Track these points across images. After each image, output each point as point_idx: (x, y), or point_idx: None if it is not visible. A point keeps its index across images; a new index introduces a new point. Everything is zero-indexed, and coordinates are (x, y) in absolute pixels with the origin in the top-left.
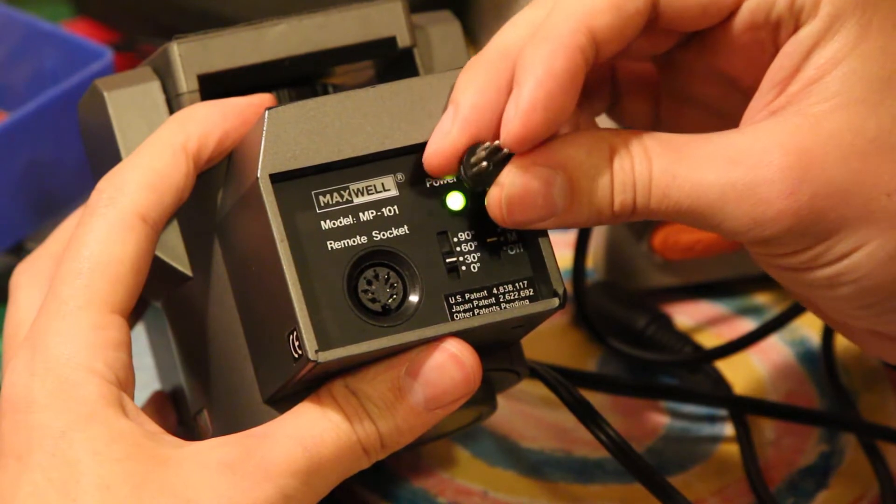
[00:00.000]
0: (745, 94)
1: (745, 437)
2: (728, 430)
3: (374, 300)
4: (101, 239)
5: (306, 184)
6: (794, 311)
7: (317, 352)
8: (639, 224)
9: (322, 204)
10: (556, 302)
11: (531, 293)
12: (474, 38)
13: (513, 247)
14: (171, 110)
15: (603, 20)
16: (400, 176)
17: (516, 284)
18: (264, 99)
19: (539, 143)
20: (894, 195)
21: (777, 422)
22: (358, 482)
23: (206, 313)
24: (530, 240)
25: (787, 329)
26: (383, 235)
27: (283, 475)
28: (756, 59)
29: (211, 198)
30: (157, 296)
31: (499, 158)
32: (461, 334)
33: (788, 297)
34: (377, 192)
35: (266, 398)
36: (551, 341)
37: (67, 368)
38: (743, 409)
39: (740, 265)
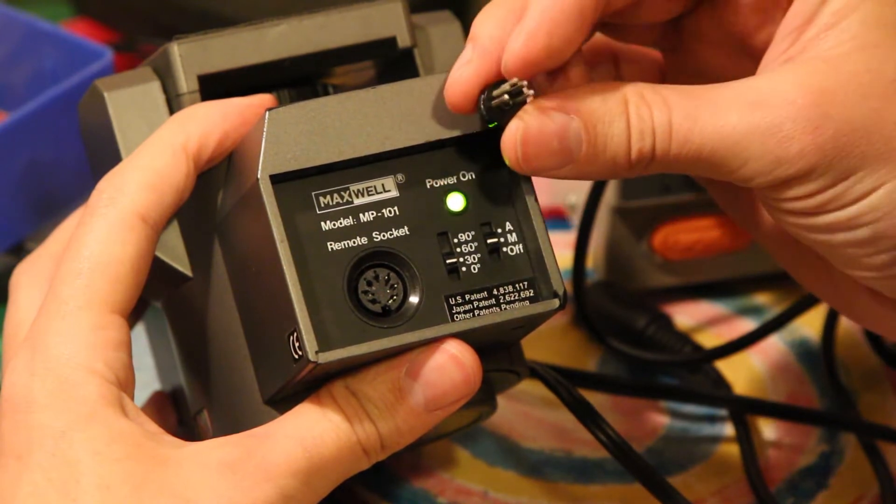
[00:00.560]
0: (756, 59)
1: (745, 437)
2: (728, 430)
3: (374, 301)
4: (101, 239)
5: (306, 184)
6: (794, 311)
7: (317, 353)
8: (639, 224)
9: (322, 205)
10: (556, 303)
11: (531, 294)
12: None
13: (513, 247)
14: (172, 110)
15: None
16: (400, 177)
17: (516, 285)
18: (264, 99)
19: (550, 84)
20: None
21: (777, 422)
22: (358, 482)
23: (206, 313)
24: (530, 240)
25: (787, 329)
26: (383, 236)
27: (284, 475)
28: (768, 14)
29: (211, 198)
30: (157, 296)
31: (517, 101)
32: (461, 335)
33: (789, 296)
34: (377, 193)
35: (266, 399)
36: (551, 341)
37: (67, 368)
38: (743, 409)
39: (740, 265)
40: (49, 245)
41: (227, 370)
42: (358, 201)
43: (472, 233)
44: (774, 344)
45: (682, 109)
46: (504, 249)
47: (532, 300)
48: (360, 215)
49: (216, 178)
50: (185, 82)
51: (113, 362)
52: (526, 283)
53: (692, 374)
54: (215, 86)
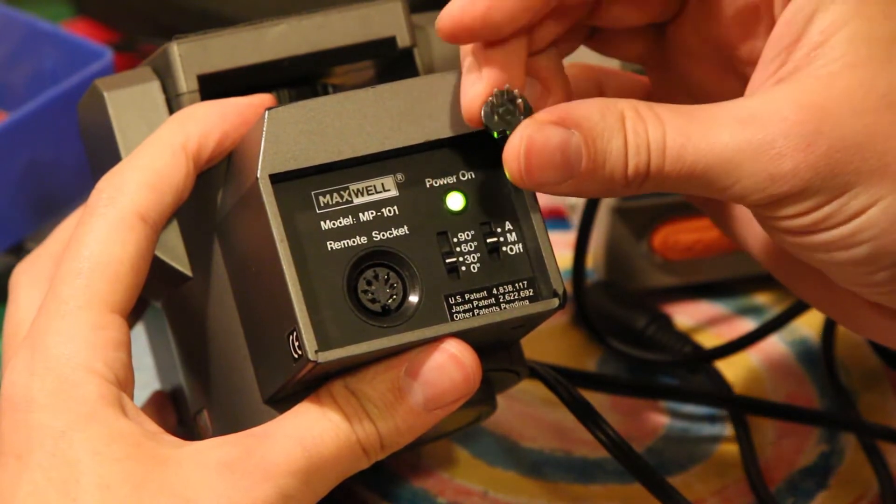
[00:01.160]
0: (741, 76)
1: (745, 437)
2: (728, 430)
3: (373, 300)
4: (101, 239)
5: (306, 184)
6: (794, 311)
7: (317, 352)
8: (639, 224)
9: (322, 204)
10: (555, 302)
11: (531, 293)
12: None
13: (513, 247)
14: (171, 110)
15: None
16: (400, 176)
17: (516, 285)
18: (264, 99)
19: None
20: None
21: (777, 422)
22: (358, 482)
23: (206, 313)
24: (530, 239)
25: (787, 329)
26: (383, 236)
27: (283, 475)
28: (751, 27)
29: (211, 198)
30: (157, 296)
31: (515, 110)
32: (461, 335)
33: (789, 296)
34: (377, 193)
35: (266, 398)
36: (551, 341)
37: (67, 368)
38: (743, 409)
39: (740, 265)
40: (49, 245)
41: (227, 370)
42: (357, 201)
43: (472, 232)
44: (774, 344)
45: (676, 126)
46: (504, 249)
47: (532, 299)
48: (360, 215)
49: (216, 177)
50: (185, 82)
51: (112, 362)
52: (525, 282)
53: (692, 374)
54: (215, 86)
